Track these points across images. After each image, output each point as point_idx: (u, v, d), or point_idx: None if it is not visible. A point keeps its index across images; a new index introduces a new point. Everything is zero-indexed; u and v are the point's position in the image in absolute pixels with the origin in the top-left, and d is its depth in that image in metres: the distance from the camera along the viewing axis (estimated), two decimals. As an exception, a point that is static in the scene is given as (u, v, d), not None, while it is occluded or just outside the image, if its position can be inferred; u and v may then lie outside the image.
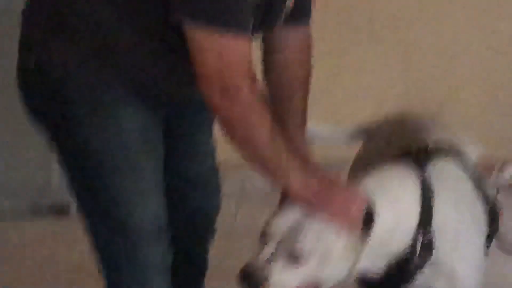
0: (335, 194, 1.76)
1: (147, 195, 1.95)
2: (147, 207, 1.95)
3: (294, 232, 1.74)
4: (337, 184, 1.82)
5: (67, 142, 1.96)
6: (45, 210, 4.14)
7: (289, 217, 1.77)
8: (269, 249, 1.74)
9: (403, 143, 2.07)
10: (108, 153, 1.91)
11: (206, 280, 2.45)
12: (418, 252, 1.84)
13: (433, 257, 1.86)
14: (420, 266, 1.86)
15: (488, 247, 2.07)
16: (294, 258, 1.72)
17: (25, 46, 1.95)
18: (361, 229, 1.73)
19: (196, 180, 2.27)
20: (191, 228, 2.30)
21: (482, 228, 2.02)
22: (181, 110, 2.16)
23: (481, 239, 2.00)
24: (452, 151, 2.02)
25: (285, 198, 1.83)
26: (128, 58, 1.87)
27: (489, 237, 2.06)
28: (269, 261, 1.73)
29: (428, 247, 1.85)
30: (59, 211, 4.08)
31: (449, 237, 1.90)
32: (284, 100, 2.07)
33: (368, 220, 1.73)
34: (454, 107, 4.58)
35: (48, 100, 1.93)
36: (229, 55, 1.71)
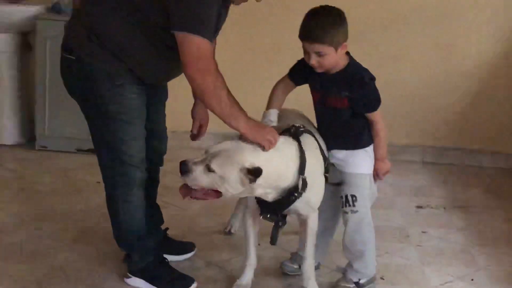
0: (264, 129, 2.80)
1: (137, 139, 3.01)
2: (137, 145, 3.01)
3: (216, 156, 2.67)
4: (266, 129, 2.82)
5: (93, 106, 2.96)
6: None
7: (221, 145, 2.76)
8: (199, 158, 2.71)
9: (287, 124, 2.99)
10: (118, 113, 2.91)
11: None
12: (300, 187, 2.79)
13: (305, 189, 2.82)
14: (299, 195, 2.81)
15: (326, 178, 3.04)
16: (208, 169, 2.66)
17: (67, 48, 2.92)
18: (249, 179, 2.65)
19: (158, 133, 3.28)
20: (154, 160, 3.27)
21: (323, 169, 2.98)
22: (156, 89, 3.18)
23: (323, 177, 2.98)
24: (307, 129, 2.99)
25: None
26: (136, 56, 2.86)
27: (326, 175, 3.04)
28: (197, 163, 2.69)
29: (305, 184, 2.80)
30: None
31: (310, 177, 2.83)
32: None
33: (257, 173, 2.64)
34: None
35: (82, 81, 2.93)
36: (203, 49, 2.70)
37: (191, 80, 2.72)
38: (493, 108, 5.21)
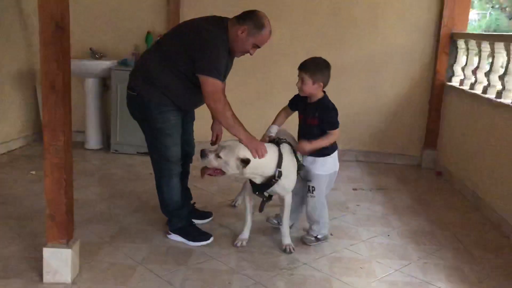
0: (256, 142, 2.83)
1: (176, 145, 2.99)
2: (175, 149, 3.00)
3: (223, 149, 2.80)
4: (257, 142, 2.85)
5: (147, 125, 2.98)
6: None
7: (227, 142, 2.85)
8: (213, 149, 2.85)
9: (276, 138, 3.03)
10: (164, 129, 2.93)
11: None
12: (276, 176, 2.85)
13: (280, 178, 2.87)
14: (276, 181, 2.87)
15: (298, 173, 3.04)
16: (218, 156, 2.79)
17: (132, 88, 2.97)
18: (242, 165, 2.75)
19: (189, 141, 3.24)
20: (186, 159, 3.22)
21: (295, 168, 2.98)
22: (188, 113, 3.14)
23: (295, 170, 2.98)
24: (287, 141, 3.01)
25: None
26: (175, 92, 2.88)
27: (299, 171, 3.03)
28: (211, 152, 2.82)
29: (280, 174, 2.86)
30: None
31: (285, 171, 2.88)
32: None
33: (246, 162, 2.75)
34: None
35: (140, 108, 2.96)
36: (216, 86, 2.76)
37: (209, 106, 2.82)
38: (401, 126, 5.22)
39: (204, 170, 2.89)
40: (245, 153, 2.79)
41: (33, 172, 4.27)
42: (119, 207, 3.68)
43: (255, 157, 2.79)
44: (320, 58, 3.03)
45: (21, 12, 5.02)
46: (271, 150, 2.89)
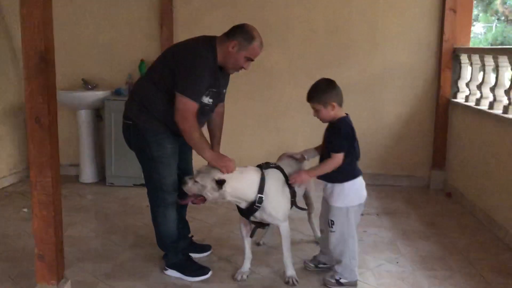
0: (223, 159, 2.83)
1: (172, 175, 2.98)
2: (172, 180, 2.97)
3: (200, 174, 2.82)
4: (224, 158, 2.84)
5: (144, 153, 2.98)
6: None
7: (203, 168, 2.87)
8: (191, 176, 2.87)
9: (264, 163, 3.04)
10: (160, 157, 2.93)
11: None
12: (256, 202, 2.82)
13: (262, 204, 2.84)
14: (258, 207, 2.85)
15: (293, 202, 3.00)
16: (195, 182, 2.81)
17: (127, 117, 2.98)
18: (218, 186, 2.76)
19: (187, 170, 3.17)
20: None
21: (287, 195, 2.95)
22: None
23: (285, 199, 2.94)
24: (277, 166, 3.00)
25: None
26: (169, 117, 2.82)
27: (293, 200, 2.99)
28: (190, 179, 2.84)
29: (260, 200, 2.83)
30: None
31: (269, 197, 2.85)
32: (214, 130, 3.22)
33: (221, 183, 2.76)
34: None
35: (136, 137, 2.97)
36: (187, 106, 2.75)
37: (177, 123, 2.79)
38: (406, 147, 5.18)
39: (185, 199, 2.94)
40: (220, 175, 2.79)
41: (26, 210, 4.26)
42: (115, 243, 3.64)
43: (224, 173, 2.78)
44: (320, 80, 2.95)
45: (12, 45, 5.07)
46: (253, 174, 2.89)
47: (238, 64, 2.91)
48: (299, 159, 3.19)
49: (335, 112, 2.88)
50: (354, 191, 2.92)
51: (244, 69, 2.95)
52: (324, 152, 2.94)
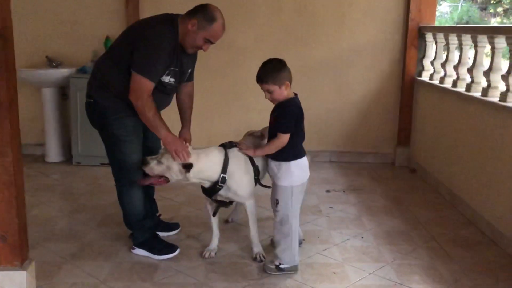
0: (176, 144, 2.76)
1: (135, 153, 2.92)
2: (136, 158, 2.91)
3: (166, 155, 2.77)
4: (176, 142, 2.78)
5: (105, 131, 2.93)
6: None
7: (165, 149, 2.79)
8: (154, 157, 2.82)
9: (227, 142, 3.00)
10: (122, 135, 2.88)
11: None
12: (220, 181, 2.82)
13: (226, 183, 2.84)
14: (221, 186, 2.85)
15: (257, 180, 2.97)
16: (160, 163, 2.78)
17: (89, 95, 2.93)
18: (184, 169, 2.74)
19: (154, 149, 3.06)
20: None
21: (250, 173, 2.93)
22: None
23: (248, 176, 2.92)
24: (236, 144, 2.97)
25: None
26: (126, 95, 2.73)
27: (257, 178, 2.97)
28: (152, 159, 2.80)
29: (223, 179, 2.83)
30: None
31: (233, 176, 2.85)
32: (183, 109, 3.18)
33: (188, 167, 2.74)
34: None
35: (97, 115, 2.91)
36: (141, 84, 2.69)
37: (131, 102, 2.73)
38: (373, 123, 5.24)
39: (144, 179, 2.87)
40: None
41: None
42: (81, 222, 3.59)
43: (174, 160, 2.75)
44: (270, 60, 2.83)
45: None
46: (216, 154, 2.87)
47: (196, 44, 2.82)
48: (259, 136, 3.18)
49: (288, 91, 2.80)
50: (299, 170, 2.85)
51: (202, 50, 2.88)
52: (272, 132, 2.85)
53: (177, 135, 3.09)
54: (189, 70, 3.03)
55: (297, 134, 2.83)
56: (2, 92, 2.28)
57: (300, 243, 3.15)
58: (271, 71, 2.77)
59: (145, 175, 2.85)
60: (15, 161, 2.37)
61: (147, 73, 2.69)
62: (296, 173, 2.84)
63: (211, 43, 2.86)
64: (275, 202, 2.86)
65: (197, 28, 2.77)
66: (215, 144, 3.01)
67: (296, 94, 2.87)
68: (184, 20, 2.80)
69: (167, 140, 2.76)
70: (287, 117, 2.78)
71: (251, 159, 2.95)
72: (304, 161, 2.89)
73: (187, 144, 2.90)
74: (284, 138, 2.77)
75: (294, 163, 2.83)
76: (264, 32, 5.07)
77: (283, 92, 2.78)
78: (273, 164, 2.87)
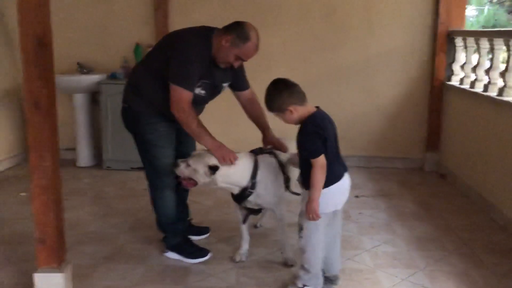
0: (223, 150, 2.78)
1: (168, 158, 2.94)
2: (167, 161, 2.93)
3: (193, 158, 2.80)
4: (223, 149, 2.78)
5: (138, 136, 2.99)
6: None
7: (197, 152, 2.89)
8: (184, 160, 2.82)
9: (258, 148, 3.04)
10: (154, 140, 2.93)
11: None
12: (249, 187, 2.83)
13: (255, 189, 2.84)
14: (250, 192, 2.85)
15: (287, 187, 2.94)
16: (188, 165, 2.79)
17: (124, 100, 3.00)
18: (210, 172, 2.74)
19: (186, 154, 2.94)
20: None
21: (280, 180, 2.92)
22: None
23: (277, 183, 2.91)
24: (273, 152, 3.00)
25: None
26: (163, 103, 2.79)
27: (287, 185, 2.94)
28: (182, 161, 2.81)
29: (253, 185, 2.84)
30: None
31: (262, 183, 2.85)
32: (254, 117, 3.18)
33: (214, 169, 2.74)
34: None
35: (131, 120, 2.99)
36: (182, 96, 2.72)
37: (173, 114, 2.77)
38: (401, 128, 5.20)
39: (179, 180, 2.90)
40: (214, 161, 2.77)
41: (23, 194, 4.24)
42: (113, 226, 3.65)
43: (222, 164, 2.76)
44: (269, 86, 2.60)
45: (5, 26, 5.01)
46: (246, 160, 2.87)
47: (227, 60, 2.82)
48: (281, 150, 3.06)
49: (298, 113, 2.52)
50: (330, 197, 2.54)
51: (233, 66, 2.87)
52: (300, 158, 2.60)
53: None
54: (224, 85, 3.02)
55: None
56: (43, 98, 2.34)
57: (334, 280, 2.80)
58: (268, 100, 2.59)
59: (177, 177, 2.89)
60: (53, 166, 2.44)
61: (185, 83, 2.73)
62: (326, 200, 2.53)
63: (243, 60, 2.87)
64: (299, 228, 2.63)
65: (230, 45, 2.77)
66: (242, 149, 3.00)
67: (317, 107, 2.60)
68: (220, 35, 2.81)
69: (212, 147, 2.79)
70: (307, 141, 2.48)
71: (282, 167, 2.94)
72: (337, 185, 2.58)
73: (232, 151, 2.82)
74: (318, 163, 2.44)
75: (323, 191, 2.50)
76: (292, 37, 5.08)
77: (292, 116, 2.52)
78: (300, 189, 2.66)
